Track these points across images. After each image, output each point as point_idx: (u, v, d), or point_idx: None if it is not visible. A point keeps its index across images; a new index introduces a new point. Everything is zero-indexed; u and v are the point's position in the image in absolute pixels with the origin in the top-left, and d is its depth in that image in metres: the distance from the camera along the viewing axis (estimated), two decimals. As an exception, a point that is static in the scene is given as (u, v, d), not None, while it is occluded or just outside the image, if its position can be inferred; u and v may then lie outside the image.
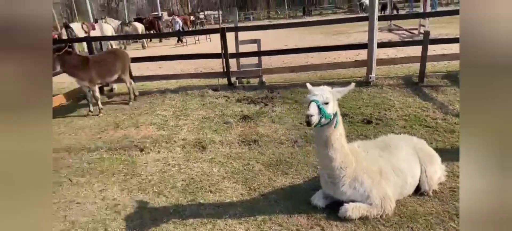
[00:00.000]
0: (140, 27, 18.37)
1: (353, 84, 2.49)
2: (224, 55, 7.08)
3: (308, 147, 4.07)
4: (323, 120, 2.31)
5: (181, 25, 20.71)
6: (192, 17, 29.07)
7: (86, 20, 18.62)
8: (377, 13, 6.17)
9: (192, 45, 17.29)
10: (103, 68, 6.10)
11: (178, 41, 18.74)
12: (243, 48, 7.46)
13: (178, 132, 4.94)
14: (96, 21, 17.50)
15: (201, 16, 33.66)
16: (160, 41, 20.56)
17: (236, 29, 7.23)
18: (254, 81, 7.49)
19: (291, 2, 52.57)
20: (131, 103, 6.62)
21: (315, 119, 2.25)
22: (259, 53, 7.25)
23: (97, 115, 6.05)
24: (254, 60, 7.39)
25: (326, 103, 2.31)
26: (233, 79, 7.34)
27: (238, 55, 7.33)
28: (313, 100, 2.28)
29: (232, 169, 3.69)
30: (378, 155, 2.78)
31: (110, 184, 3.57)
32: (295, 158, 3.81)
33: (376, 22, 6.09)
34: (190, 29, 23.73)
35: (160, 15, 25.50)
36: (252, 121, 5.13)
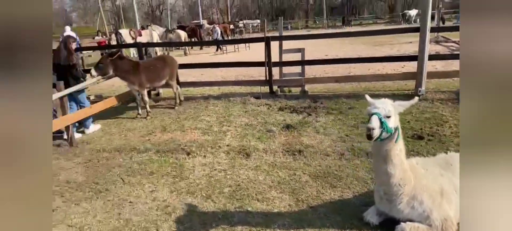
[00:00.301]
0: (183, 35, 19.01)
1: (416, 98, 2.39)
2: (267, 63, 7.13)
3: (356, 160, 3.95)
4: (384, 134, 2.22)
5: (219, 33, 21.21)
6: (231, 26, 29.71)
7: (133, 27, 19.66)
8: (429, 24, 5.92)
9: (232, 53, 17.61)
10: (153, 73, 6.37)
11: (217, 50, 19.13)
12: (285, 57, 7.47)
13: (222, 138, 5.01)
14: (142, 28, 18.43)
15: (240, 25, 34.28)
16: (201, 48, 21.18)
17: (280, 38, 7.27)
18: (296, 90, 7.45)
19: (330, 12, 52.08)
20: (176, 107, 6.83)
21: (376, 133, 2.17)
22: (302, 62, 7.22)
23: (145, 118, 6.29)
24: (296, 69, 7.36)
25: (388, 116, 2.23)
26: (275, 87, 7.35)
27: (281, 64, 7.34)
28: (375, 113, 2.20)
29: (278, 179, 3.66)
30: (439, 174, 2.62)
31: (160, 186, 3.68)
32: (344, 171, 3.70)
33: (428, 33, 5.84)
34: (229, 37, 24.23)
35: (201, 23, 26.27)
36: (296, 131, 5.08)
